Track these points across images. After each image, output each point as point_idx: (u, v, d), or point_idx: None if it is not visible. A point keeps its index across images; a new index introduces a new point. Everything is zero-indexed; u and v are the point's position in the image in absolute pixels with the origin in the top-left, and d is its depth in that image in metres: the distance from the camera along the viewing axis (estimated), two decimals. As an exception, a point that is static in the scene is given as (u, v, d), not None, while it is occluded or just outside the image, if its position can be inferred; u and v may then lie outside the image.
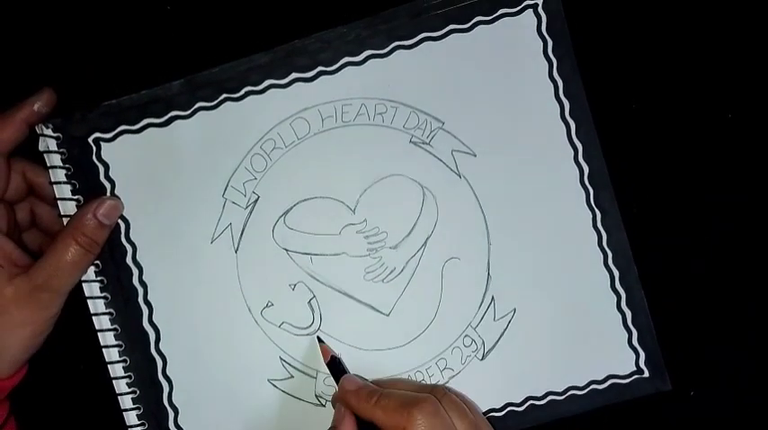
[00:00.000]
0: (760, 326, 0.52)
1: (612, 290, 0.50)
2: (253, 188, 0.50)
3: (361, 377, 0.48)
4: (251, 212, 0.50)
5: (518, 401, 0.50)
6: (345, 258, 0.50)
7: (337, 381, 0.47)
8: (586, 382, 0.50)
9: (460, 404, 0.45)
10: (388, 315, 0.50)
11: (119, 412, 0.49)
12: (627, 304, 0.50)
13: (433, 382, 0.50)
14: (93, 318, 0.49)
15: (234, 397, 0.50)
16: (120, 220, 0.49)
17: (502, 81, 0.50)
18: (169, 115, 0.49)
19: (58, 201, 0.49)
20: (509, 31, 0.49)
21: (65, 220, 0.48)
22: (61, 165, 0.49)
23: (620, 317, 0.50)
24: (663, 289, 0.51)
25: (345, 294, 0.50)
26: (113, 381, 0.49)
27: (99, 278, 0.49)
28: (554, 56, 0.49)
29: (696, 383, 0.52)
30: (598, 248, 0.50)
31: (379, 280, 0.50)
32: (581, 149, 0.50)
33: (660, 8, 0.52)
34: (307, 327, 0.50)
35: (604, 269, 0.50)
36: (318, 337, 0.49)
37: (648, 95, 0.52)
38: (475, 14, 0.49)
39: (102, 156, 0.49)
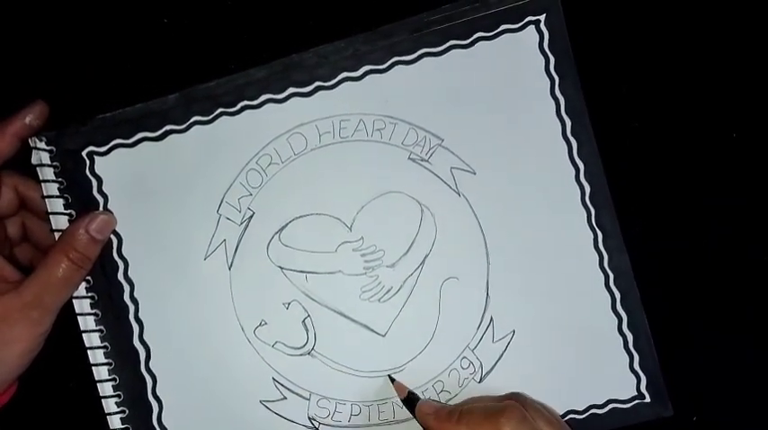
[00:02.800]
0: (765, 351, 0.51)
1: (614, 312, 0.49)
2: (248, 204, 0.49)
3: (437, 401, 0.48)
4: (245, 229, 0.49)
5: (516, 425, 0.49)
6: (341, 277, 0.49)
7: (412, 413, 0.47)
8: (586, 406, 0.49)
9: (543, 409, 0.45)
10: (384, 335, 0.49)
11: (108, 431, 0.48)
12: (628, 327, 0.49)
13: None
14: (84, 335, 0.48)
15: (225, 418, 0.49)
16: (112, 235, 0.49)
17: (502, 98, 0.49)
18: (164, 129, 0.49)
19: (50, 216, 0.48)
20: (510, 48, 0.49)
21: (57, 235, 0.48)
22: (54, 178, 0.48)
23: (622, 340, 0.49)
24: (665, 311, 0.50)
25: (341, 314, 0.49)
26: (102, 400, 0.48)
27: (90, 294, 0.48)
28: (556, 73, 0.49)
29: (699, 409, 0.51)
30: (599, 269, 0.49)
31: (375, 299, 0.49)
32: (582, 169, 0.49)
33: (662, 27, 0.52)
34: (301, 347, 0.49)
35: (605, 291, 0.49)
36: (390, 376, 0.49)
37: (650, 114, 0.52)
38: (476, 30, 0.49)
39: (96, 170, 0.49)
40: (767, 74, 0.52)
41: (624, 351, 0.49)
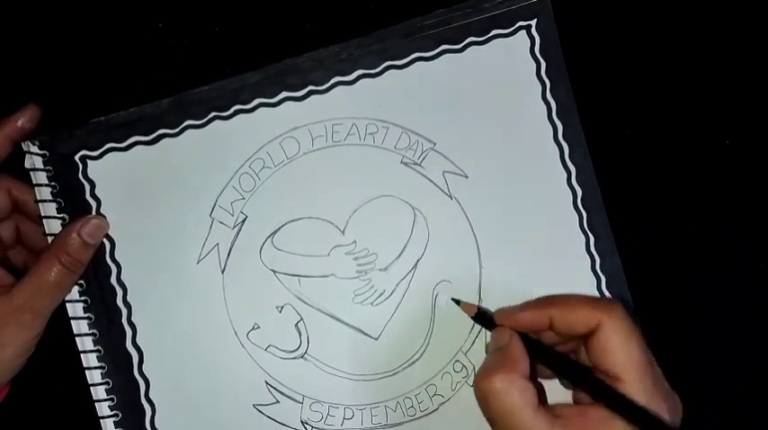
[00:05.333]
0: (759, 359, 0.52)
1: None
2: (241, 208, 0.49)
3: None
4: (238, 232, 0.49)
5: (509, 428, 0.49)
6: (334, 280, 0.49)
7: (487, 327, 0.44)
8: None
9: None
10: (376, 339, 0.49)
11: (101, 435, 0.48)
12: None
13: (423, 410, 0.49)
14: (77, 338, 0.48)
15: (218, 422, 0.48)
16: (105, 239, 0.48)
17: (494, 102, 0.49)
18: (157, 133, 0.49)
19: (44, 220, 0.48)
20: (502, 53, 0.49)
21: (50, 239, 0.47)
22: (47, 182, 0.48)
23: (614, 342, 0.49)
24: (656, 314, 0.50)
25: (333, 317, 0.49)
26: (96, 404, 0.48)
27: (83, 298, 0.48)
28: (547, 77, 0.49)
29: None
30: (591, 273, 0.49)
31: (368, 303, 0.49)
32: (574, 172, 0.49)
33: (655, 32, 0.52)
34: (294, 351, 0.49)
35: (598, 294, 0.49)
36: (453, 299, 0.47)
37: (642, 118, 0.52)
38: (468, 35, 0.49)
39: (89, 174, 0.49)
40: (760, 80, 0.52)
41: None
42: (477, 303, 0.48)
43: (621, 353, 0.39)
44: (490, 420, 0.39)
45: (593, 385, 0.39)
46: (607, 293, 0.49)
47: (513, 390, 0.38)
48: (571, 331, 0.41)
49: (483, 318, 0.45)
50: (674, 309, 0.51)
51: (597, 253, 0.49)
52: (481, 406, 0.40)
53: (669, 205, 0.52)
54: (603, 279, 0.49)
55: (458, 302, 0.47)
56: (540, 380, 0.44)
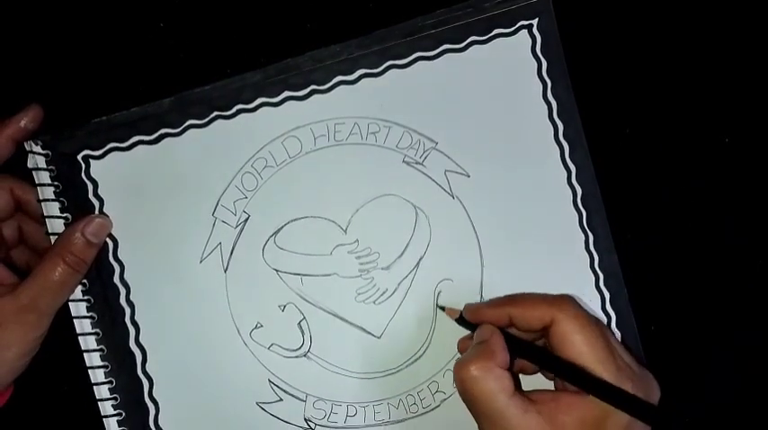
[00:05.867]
0: (759, 359, 0.52)
1: (603, 311, 0.50)
2: (243, 207, 0.49)
3: None
4: (241, 232, 0.49)
5: (510, 425, 0.49)
6: (336, 279, 0.49)
7: (469, 328, 0.47)
8: None
9: None
10: (379, 337, 0.49)
11: (104, 434, 0.48)
12: (617, 326, 0.49)
13: (425, 406, 0.49)
14: (80, 338, 0.48)
15: (221, 420, 0.49)
16: (108, 239, 0.49)
17: (496, 101, 0.49)
18: (159, 133, 0.49)
19: (46, 220, 0.48)
20: (503, 52, 0.49)
21: (52, 238, 0.48)
22: (50, 182, 0.48)
23: (612, 339, 0.49)
24: (653, 312, 0.51)
25: (336, 316, 0.49)
26: (99, 403, 0.48)
27: (86, 297, 0.48)
28: (548, 77, 0.49)
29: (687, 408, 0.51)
30: (590, 270, 0.50)
31: (370, 301, 0.49)
32: (574, 171, 0.49)
33: (655, 32, 0.52)
34: (296, 349, 0.49)
35: (596, 291, 0.50)
36: (439, 305, 0.49)
37: (642, 117, 0.52)
38: (469, 34, 0.49)
39: (91, 174, 0.49)
40: (759, 78, 0.52)
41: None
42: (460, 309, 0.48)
43: (578, 342, 0.42)
44: (468, 404, 0.42)
45: (564, 370, 0.42)
46: (605, 290, 0.49)
47: (488, 377, 0.41)
48: (529, 327, 0.44)
49: (467, 322, 0.47)
50: (672, 305, 0.52)
51: (596, 251, 0.49)
52: (459, 391, 0.43)
53: (669, 204, 0.52)
54: (602, 276, 0.49)
55: (443, 309, 0.48)
56: (524, 375, 0.47)
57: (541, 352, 0.44)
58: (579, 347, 0.42)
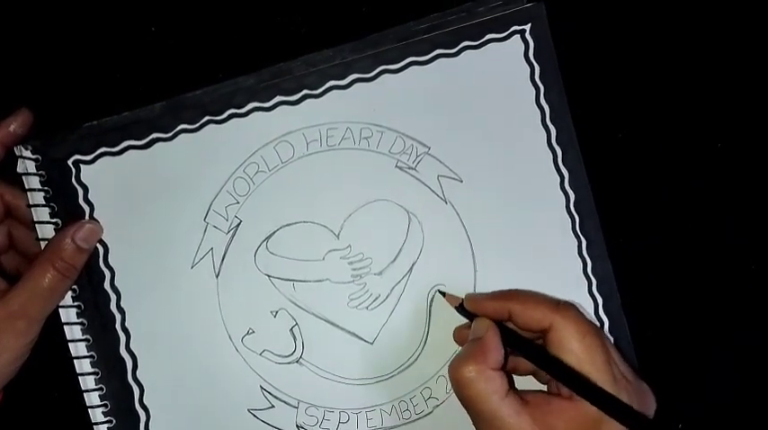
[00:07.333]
0: (759, 359, 0.52)
1: (596, 317, 0.49)
2: (235, 212, 0.49)
3: None
4: (233, 237, 0.49)
5: (503, 431, 0.49)
6: (329, 285, 0.49)
7: (468, 317, 0.47)
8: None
9: None
10: (372, 343, 0.49)
11: (94, 441, 0.48)
12: (609, 331, 0.49)
13: (418, 412, 0.49)
14: (70, 344, 0.48)
15: (213, 427, 0.48)
16: (98, 245, 0.48)
17: (489, 106, 0.49)
18: (150, 137, 0.49)
19: (36, 225, 0.48)
20: (496, 57, 0.49)
21: (42, 244, 0.47)
22: (40, 187, 0.48)
23: (605, 345, 0.49)
24: (645, 317, 0.51)
25: (328, 322, 0.49)
26: (89, 410, 0.48)
27: (76, 303, 0.48)
28: (541, 82, 0.49)
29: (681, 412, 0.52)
30: (583, 275, 0.50)
31: (363, 307, 0.49)
32: (567, 176, 0.49)
33: (648, 37, 0.52)
34: (288, 355, 0.49)
35: (589, 297, 0.50)
36: (440, 291, 0.49)
37: (635, 123, 0.52)
38: (462, 39, 0.49)
39: (82, 179, 0.48)
40: (752, 84, 0.52)
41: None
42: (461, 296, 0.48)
43: (577, 349, 0.42)
44: (463, 404, 0.43)
45: (562, 372, 0.42)
46: (598, 296, 0.49)
47: (481, 379, 0.42)
48: (527, 326, 0.44)
49: (467, 310, 0.47)
50: (665, 310, 0.52)
51: (589, 256, 0.49)
52: (455, 391, 0.43)
53: (662, 208, 0.52)
54: (594, 281, 0.49)
55: (444, 294, 0.48)
56: (518, 376, 0.47)
57: (540, 350, 0.44)
58: (578, 355, 0.42)
